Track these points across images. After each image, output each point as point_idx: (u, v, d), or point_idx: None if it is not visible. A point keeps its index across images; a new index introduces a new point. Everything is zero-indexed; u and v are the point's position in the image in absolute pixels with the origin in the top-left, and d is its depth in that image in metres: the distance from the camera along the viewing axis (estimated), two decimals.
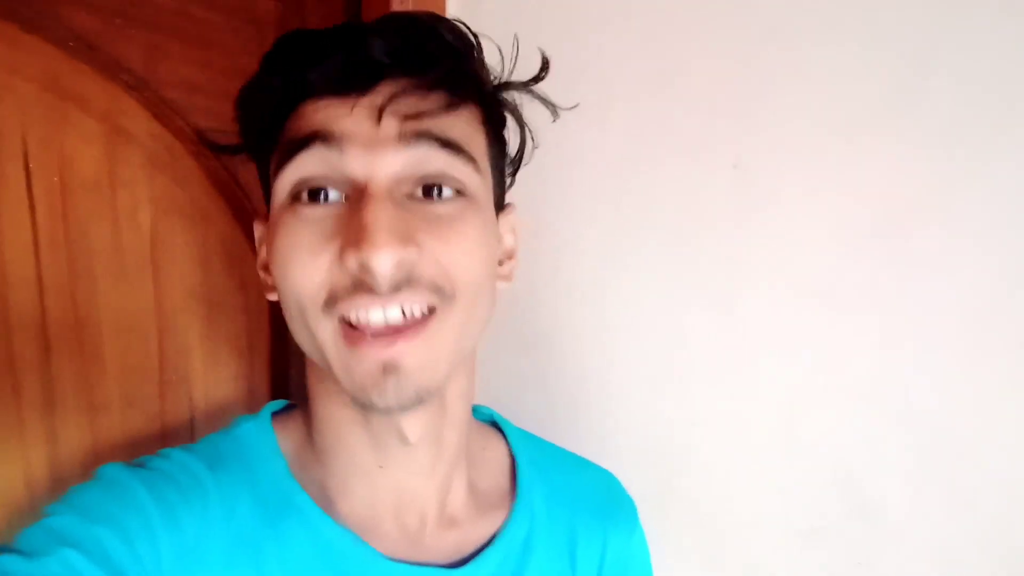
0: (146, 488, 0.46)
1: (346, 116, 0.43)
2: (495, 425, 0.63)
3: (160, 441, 0.66)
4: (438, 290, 0.44)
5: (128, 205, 0.63)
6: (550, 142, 0.73)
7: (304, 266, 0.43)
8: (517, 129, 0.53)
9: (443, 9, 0.74)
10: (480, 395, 0.65)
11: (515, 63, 0.51)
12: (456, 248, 0.44)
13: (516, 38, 0.51)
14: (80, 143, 0.60)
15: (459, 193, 0.45)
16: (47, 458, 0.60)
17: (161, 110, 0.64)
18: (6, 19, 0.55)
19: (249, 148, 0.51)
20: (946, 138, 0.55)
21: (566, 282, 0.77)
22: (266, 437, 0.52)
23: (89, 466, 0.61)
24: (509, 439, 0.61)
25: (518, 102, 0.52)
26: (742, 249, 0.65)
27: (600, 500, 0.62)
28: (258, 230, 0.54)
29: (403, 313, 0.43)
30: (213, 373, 0.71)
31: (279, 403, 0.57)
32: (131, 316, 0.64)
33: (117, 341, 0.63)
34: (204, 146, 0.51)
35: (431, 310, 0.44)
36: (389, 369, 0.42)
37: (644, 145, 0.69)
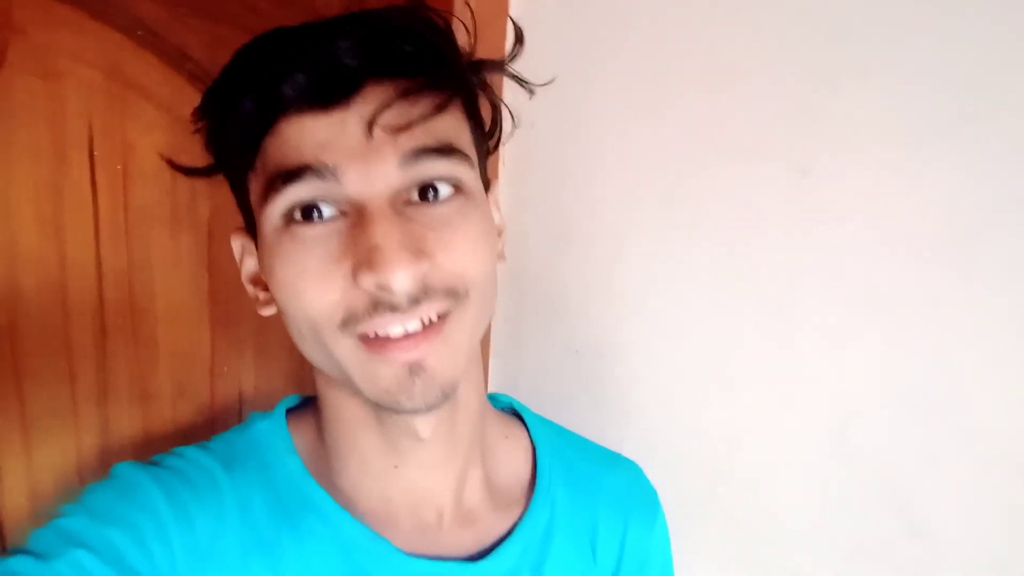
0: (159, 487, 0.46)
1: (336, 138, 0.41)
2: (516, 414, 0.62)
3: (209, 432, 0.65)
4: (452, 294, 0.44)
5: (187, 195, 0.63)
6: (601, 143, 0.73)
7: (316, 290, 0.42)
8: (500, 106, 0.52)
9: (505, 7, 0.74)
10: (527, 403, 0.64)
11: (518, 48, 0.49)
12: (464, 250, 0.44)
13: (512, 22, 0.48)
14: (142, 132, 0.60)
15: (457, 189, 0.45)
16: (99, 446, 0.60)
17: None
18: (73, 6, 0.55)
19: (222, 168, 0.49)
20: (1018, 150, 0.54)
21: (616, 288, 0.76)
22: (281, 435, 0.52)
23: (140, 455, 0.61)
24: (530, 428, 0.60)
25: (521, 83, 0.50)
26: (797, 256, 0.63)
27: (622, 491, 0.61)
28: (236, 243, 0.52)
29: (421, 322, 0.43)
30: (263, 366, 0.70)
31: (294, 398, 0.57)
32: (185, 306, 0.64)
33: (171, 331, 0.63)
34: (174, 170, 0.50)
35: (447, 312, 0.44)
36: (415, 370, 0.43)
37: (699, 148, 0.67)
